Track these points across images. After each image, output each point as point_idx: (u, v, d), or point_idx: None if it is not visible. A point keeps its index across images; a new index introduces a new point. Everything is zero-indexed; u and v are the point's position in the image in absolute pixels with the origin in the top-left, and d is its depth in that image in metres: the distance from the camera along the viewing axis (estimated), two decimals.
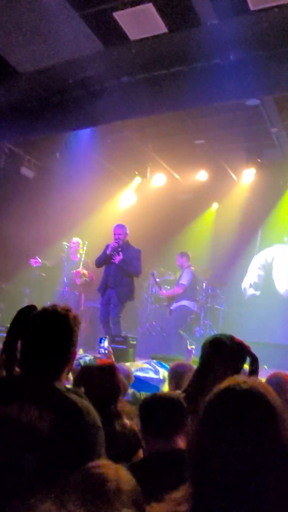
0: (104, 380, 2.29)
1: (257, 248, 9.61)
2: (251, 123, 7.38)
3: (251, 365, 1.94)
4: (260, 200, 9.16)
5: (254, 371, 1.91)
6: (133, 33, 5.25)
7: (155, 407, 1.88)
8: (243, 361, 1.99)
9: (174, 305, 7.56)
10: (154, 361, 5.00)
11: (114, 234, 6.64)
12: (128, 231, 6.77)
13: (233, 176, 9.32)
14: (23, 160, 8.59)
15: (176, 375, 2.99)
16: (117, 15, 4.98)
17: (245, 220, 9.33)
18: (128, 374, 3.64)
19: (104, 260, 6.63)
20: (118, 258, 6.50)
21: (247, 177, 8.79)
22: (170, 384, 3.08)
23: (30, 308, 1.75)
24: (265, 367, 4.74)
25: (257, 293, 9.36)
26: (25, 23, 5.20)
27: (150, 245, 9.82)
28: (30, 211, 8.54)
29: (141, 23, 5.07)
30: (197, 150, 8.64)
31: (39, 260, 7.20)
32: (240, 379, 1.13)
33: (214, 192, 9.87)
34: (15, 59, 5.86)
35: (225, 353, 1.98)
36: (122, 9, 4.90)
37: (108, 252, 6.53)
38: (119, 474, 1.07)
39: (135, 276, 6.70)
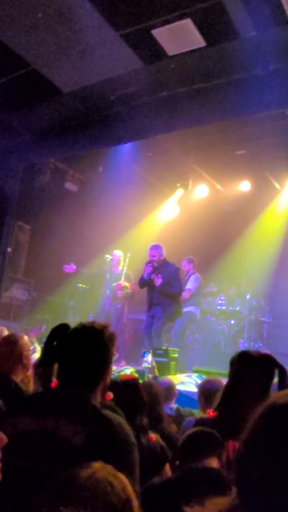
0: (127, 395, 2.32)
1: None
2: None
3: (279, 377, 1.90)
4: None
5: (283, 382, 1.88)
6: (171, 49, 5.33)
7: (196, 443, 1.88)
8: (273, 374, 1.96)
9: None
10: (196, 374, 4.97)
11: (150, 255, 6.65)
12: (164, 251, 6.75)
13: (277, 185, 9.17)
14: (67, 174, 8.84)
15: (205, 392, 2.96)
16: (155, 32, 5.07)
17: None
18: (170, 388, 3.64)
19: (144, 284, 6.70)
20: (158, 281, 6.50)
21: None
22: (199, 401, 3.04)
23: (64, 327, 1.81)
24: None
25: None
26: (67, 45, 5.39)
27: (193, 256, 9.80)
28: (74, 224, 8.76)
29: (179, 38, 5.13)
30: (239, 160, 8.58)
31: (74, 266, 7.31)
32: None
33: (257, 203, 9.73)
34: (59, 80, 6.07)
35: (254, 367, 1.96)
36: (160, 26, 4.98)
37: (145, 277, 6.56)
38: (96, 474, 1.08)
39: (178, 295, 6.68)
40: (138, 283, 6.85)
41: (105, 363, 1.68)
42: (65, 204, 8.78)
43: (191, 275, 7.70)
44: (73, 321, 7.63)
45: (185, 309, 7.24)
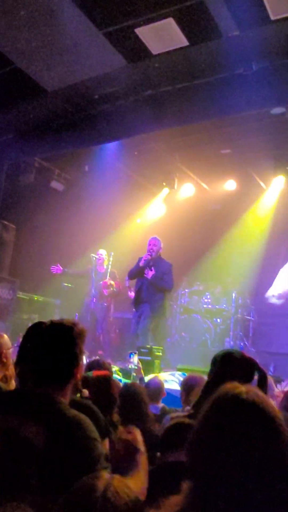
0: (99, 391, 2.32)
1: None
2: (278, 132, 7.31)
3: (259, 382, 1.92)
4: None
5: (262, 387, 1.90)
6: (155, 48, 5.33)
7: (172, 435, 1.89)
8: (252, 378, 1.98)
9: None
10: (179, 372, 4.98)
11: (149, 245, 6.69)
12: (162, 246, 6.81)
13: (262, 184, 9.23)
14: (52, 173, 8.80)
15: (186, 388, 2.98)
16: (139, 31, 5.06)
17: (275, 228, 9.21)
18: (158, 388, 3.64)
19: (136, 273, 6.68)
20: (150, 273, 6.52)
21: (277, 185, 8.70)
22: (181, 396, 3.06)
23: (39, 324, 1.80)
24: None
25: (279, 302, 9.18)
26: (50, 43, 5.36)
27: (178, 256, 9.83)
28: (59, 223, 8.73)
29: (163, 37, 5.13)
30: (224, 159, 8.62)
31: (60, 267, 7.33)
32: (239, 388, 1.13)
33: (243, 201, 9.79)
34: (42, 78, 6.04)
35: (235, 368, 1.98)
36: (143, 25, 4.98)
37: (141, 264, 6.57)
38: (111, 485, 1.08)
39: (167, 291, 6.68)
40: (128, 274, 6.80)
41: (74, 360, 1.66)
42: (50, 203, 8.75)
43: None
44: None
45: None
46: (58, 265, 7.38)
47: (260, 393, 1.14)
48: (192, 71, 5.72)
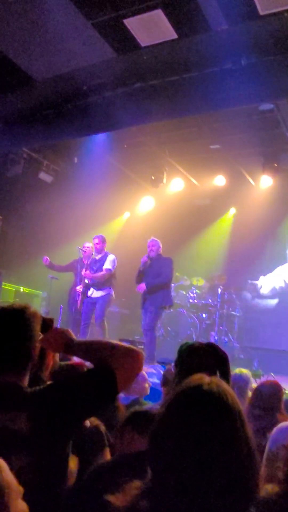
0: None
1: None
2: (266, 128, 7.33)
3: (219, 366, 1.93)
4: (278, 205, 9.06)
5: (223, 372, 1.91)
6: (144, 40, 5.29)
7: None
8: (219, 363, 1.98)
9: (97, 293, 7.05)
10: (159, 365, 4.99)
11: (148, 247, 6.81)
12: (160, 245, 6.91)
13: (251, 181, 9.25)
14: (41, 165, 8.74)
15: (164, 380, 2.98)
16: (127, 22, 5.03)
17: (263, 225, 9.24)
18: (145, 380, 3.63)
19: (139, 278, 6.78)
20: (141, 287, 6.68)
21: (265, 182, 8.72)
22: (162, 391, 3.06)
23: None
24: (272, 374, 4.71)
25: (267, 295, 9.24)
26: (38, 32, 5.31)
27: (167, 250, 9.84)
28: (47, 214, 8.69)
29: (151, 29, 5.11)
30: (213, 155, 8.63)
31: (48, 260, 7.35)
32: (208, 380, 1.15)
33: (232, 197, 9.82)
34: (30, 68, 5.99)
35: (199, 356, 1.99)
36: (132, 16, 4.94)
37: (141, 268, 6.71)
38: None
39: (165, 283, 6.71)
40: (136, 281, 6.85)
41: (29, 343, 1.61)
42: (39, 194, 8.70)
43: (107, 254, 7.23)
44: (45, 312, 7.58)
45: (103, 292, 7.03)
46: (47, 258, 7.38)
47: (224, 385, 1.15)
48: (181, 64, 5.69)
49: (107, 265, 6.97)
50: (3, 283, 8.17)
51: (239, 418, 1.10)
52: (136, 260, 9.03)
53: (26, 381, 1.60)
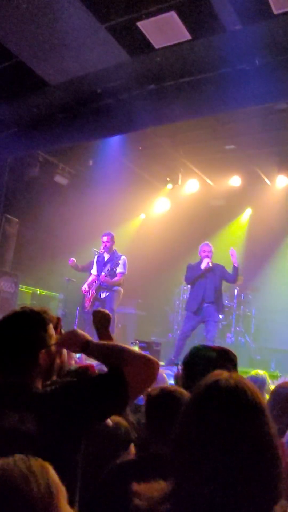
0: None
1: None
2: (282, 127, 7.27)
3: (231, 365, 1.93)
4: None
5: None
6: (158, 42, 5.30)
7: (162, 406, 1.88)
8: (227, 361, 1.99)
9: (106, 294, 6.96)
10: (176, 367, 4.98)
11: (204, 251, 6.69)
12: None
13: (267, 181, 9.18)
14: (57, 168, 8.82)
15: (175, 382, 2.98)
16: (141, 24, 5.04)
17: (279, 225, 9.17)
18: (164, 382, 3.63)
19: (196, 277, 6.65)
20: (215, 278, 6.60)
21: (281, 181, 8.65)
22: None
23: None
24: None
25: None
26: (53, 37, 5.36)
27: (182, 250, 9.83)
28: (63, 217, 8.75)
29: (165, 31, 5.11)
30: (229, 155, 8.60)
31: (74, 261, 7.42)
32: (226, 375, 1.12)
33: (248, 198, 9.77)
34: (45, 72, 6.04)
35: (198, 361, 2.00)
36: (145, 18, 4.95)
37: (204, 267, 6.55)
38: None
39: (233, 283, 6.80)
40: (188, 278, 6.76)
41: (37, 346, 1.62)
42: (54, 197, 8.77)
43: (120, 256, 7.11)
44: (62, 314, 7.59)
45: (114, 291, 6.96)
46: (73, 259, 7.45)
47: (244, 380, 1.13)
48: (195, 65, 5.69)
49: (121, 268, 6.89)
50: (20, 285, 8.26)
51: (260, 413, 1.06)
52: (152, 261, 9.06)
53: (36, 383, 1.61)
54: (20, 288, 8.16)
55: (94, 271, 7.06)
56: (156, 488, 1.14)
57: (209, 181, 9.69)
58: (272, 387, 3.31)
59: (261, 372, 3.70)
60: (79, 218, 8.87)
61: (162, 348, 6.56)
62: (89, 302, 6.91)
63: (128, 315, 8.31)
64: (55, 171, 8.80)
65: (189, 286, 8.56)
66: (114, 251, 7.10)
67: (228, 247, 9.76)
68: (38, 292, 8.98)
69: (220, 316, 6.89)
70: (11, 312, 1.70)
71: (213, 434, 1.03)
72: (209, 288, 6.51)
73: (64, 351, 1.75)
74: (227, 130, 7.68)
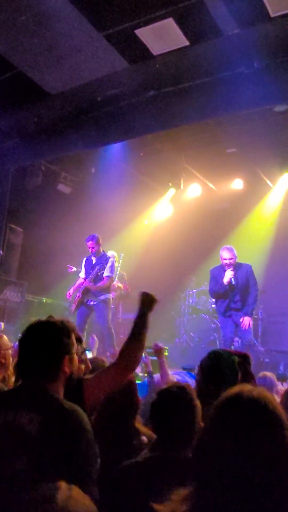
0: (121, 394, 2.30)
1: None
2: (283, 129, 7.28)
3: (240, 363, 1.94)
4: None
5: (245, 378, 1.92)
6: (156, 48, 5.35)
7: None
8: (246, 363, 2.00)
9: (95, 299, 6.80)
10: (184, 372, 4.98)
11: (226, 259, 6.24)
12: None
13: (269, 183, 9.19)
14: (59, 176, 8.87)
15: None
16: (139, 32, 5.09)
17: (283, 226, 9.16)
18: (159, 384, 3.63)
19: (224, 291, 6.25)
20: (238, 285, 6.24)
21: (284, 183, 8.65)
22: None
23: (32, 323, 1.85)
24: None
25: None
26: (52, 47, 5.42)
27: (186, 255, 9.84)
28: (67, 225, 8.78)
29: (163, 38, 5.15)
30: (230, 159, 8.61)
31: (73, 267, 7.34)
32: (248, 388, 1.16)
33: (251, 200, 9.76)
34: (45, 82, 6.10)
35: (223, 365, 2.00)
36: (143, 26, 5.00)
37: (231, 282, 6.14)
38: (71, 495, 1.10)
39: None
40: (215, 292, 6.39)
41: (60, 354, 1.72)
42: (58, 206, 8.81)
43: (104, 258, 6.96)
44: None
45: (105, 297, 6.80)
46: (71, 267, 7.39)
47: (265, 392, 1.16)
48: (193, 70, 5.72)
49: (108, 271, 6.72)
50: (26, 295, 8.28)
51: (280, 425, 1.09)
52: (158, 267, 9.07)
53: (57, 388, 1.69)
54: (26, 297, 8.17)
55: (82, 274, 6.95)
56: (176, 494, 1.15)
57: (211, 185, 9.70)
58: (282, 388, 3.30)
59: (268, 373, 3.69)
60: (83, 226, 8.88)
61: (169, 353, 6.53)
62: (75, 304, 6.83)
63: (127, 321, 8.29)
64: (57, 180, 8.85)
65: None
66: (103, 253, 6.95)
67: (236, 252, 9.79)
68: (44, 300, 8.99)
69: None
70: (37, 320, 1.81)
71: (235, 444, 1.06)
72: (235, 301, 6.23)
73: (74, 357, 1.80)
74: (227, 133, 7.70)
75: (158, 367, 5.40)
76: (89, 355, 4.79)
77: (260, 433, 1.06)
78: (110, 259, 6.86)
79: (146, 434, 2.31)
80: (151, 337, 8.83)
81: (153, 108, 6.31)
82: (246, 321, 6.14)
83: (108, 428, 2.10)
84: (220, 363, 2.15)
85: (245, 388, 1.15)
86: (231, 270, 6.14)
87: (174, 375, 4.68)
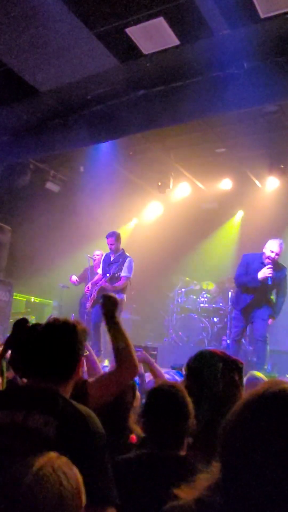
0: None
1: None
2: (272, 129, 7.33)
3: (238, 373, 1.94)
4: (286, 206, 9.03)
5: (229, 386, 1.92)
6: (146, 47, 5.33)
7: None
8: (233, 371, 1.99)
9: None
10: (173, 371, 4.98)
11: (270, 258, 5.91)
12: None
13: (258, 183, 9.24)
14: (48, 175, 8.81)
15: None
16: (130, 31, 5.07)
17: (271, 226, 9.21)
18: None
19: (256, 284, 5.93)
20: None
21: (272, 183, 8.70)
22: None
23: (23, 321, 1.84)
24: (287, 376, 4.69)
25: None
26: (41, 44, 5.37)
27: (175, 255, 9.85)
28: (56, 224, 8.75)
29: (154, 37, 5.14)
30: (219, 158, 8.63)
31: (75, 280, 7.20)
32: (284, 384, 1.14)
33: (239, 200, 9.81)
34: (34, 79, 6.05)
35: (205, 369, 2.01)
36: (134, 24, 4.98)
37: (269, 282, 5.83)
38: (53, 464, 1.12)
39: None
40: (243, 284, 6.10)
41: (78, 357, 1.73)
42: (46, 204, 8.76)
43: (127, 258, 6.79)
44: None
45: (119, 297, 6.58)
46: (75, 279, 7.25)
47: None
48: (184, 70, 5.73)
49: (125, 272, 6.62)
50: (14, 293, 8.22)
51: None
52: (146, 266, 9.06)
53: (67, 390, 1.68)
54: (14, 296, 8.12)
55: (100, 270, 6.91)
56: (199, 479, 1.14)
57: (200, 185, 9.73)
58: None
59: (257, 373, 3.72)
60: (72, 225, 8.86)
61: (158, 352, 6.53)
62: (91, 302, 6.80)
63: (123, 320, 8.28)
64: (46, 178, 8.79)
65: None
66: (121, 251, 6.83)
67: (221, 249, 9.86)
68: (33, 299, 8.95)
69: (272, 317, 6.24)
70: (51, 320, 1.79)
71: (276, 437, 1.03)
72: (258, 298, 5.99)
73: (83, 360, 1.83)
74: (217, 133, 7.73)
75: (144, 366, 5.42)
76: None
77: None
78: (128, 259, 6.72)
79: (137, 432, 2.32)
80: (140, 337, 8.91)
81: (143, 108, 6.31)
82: (270, 321, 5.97)
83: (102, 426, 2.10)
84: (203, 366, 2.13)
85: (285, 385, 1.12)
86: (271, 268, 5.75)
87: (164, 374, 4.69)
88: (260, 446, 1.05)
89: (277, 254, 5.83)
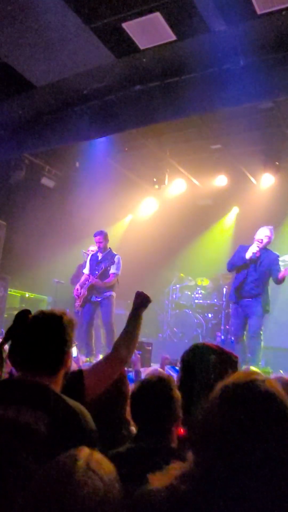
0: (111, 386, 2.31)
1: None
2: (267, 126, 7.35)
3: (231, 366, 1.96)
4: (281, 203, 9.06)
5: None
6: (143, 43, 5.33)
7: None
8: (226, 363, 2.01)
9: (104, 295, 6.70)
10: (168, 366, 5.00)
11: (264, 241, 5.90)
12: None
13: (253, 180, 9.26)
14: (43, 170, 8.79)
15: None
16: (126, 25, 5.07)
17: (265, 223, 9.22)
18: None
19: (239, 266, 5.93)
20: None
21: (267, 180, 8.72)
22: None
23: (25, 312, 1.82)
24: (281, 371, 4.72)
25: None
26: (38, 38, 5.35)
27: (170, 251, 9.87)
28: (51, 219, 8.73)
29: (150, 32, 5.14)
30: (215, 155, 8.64)
31: (79, 294, 7.08)
32: (261, 377, 1.16)
33: (234, 197, 9.83)
34: (30, 74, 6.03)
35: (196, 361, 2.02)
36: (130, 19, 4.98)
37: (252, 256, 5.81)
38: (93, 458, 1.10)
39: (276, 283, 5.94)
40: (233, 265, 6.06)
41: (65, 348, 1.70)
42: (41, 199, 8.74)
43: (115, 255, 6.76)
44: None
45: (109, 293, 6.69)
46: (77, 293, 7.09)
47: (275, 383, 1.16)
48: (180, 66, 5.73)
49: (114, 269, 6.65)
50: (9, 289, 8.21)
51: (285, 418, 1.10)
52: (141, 262, 9.07)
53: (58, 386, 1.66)
54: (8, 292, 8.10)
55: (86, 270, 6.85)
56: (172, 468, 1.16)
57: (195, 181, 9.74)
58: None
59: (253, 368, 3.74)
60: (67, 220, 8.85)
61: (153, 348, 6.55)
62: (80, 301, 6.80)
63: (117, 316, 8.27)
64: (41, 174, 8.77)
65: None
66: (109, 250, 6.85)
67: (216, 245, 9.88)
68: (27, 295, 8.93)
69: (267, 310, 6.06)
70: (38, 313, 1.76)
71: (245, 429, 1.06)
72: (249, 282, 5.87)
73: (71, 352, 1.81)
74: (213, 130, 7.74)
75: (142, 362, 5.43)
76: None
77: (265, 422, 1.07)
78: (117, 256, 6.73)
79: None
80: None
81: (138, 103, 6.31)
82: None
83: (97, 418, 2.11)
84: (195, 358, 2.14)
85: (259, 376, 1.16)
86: (259, 246, 5.78)
87: (159, 370, 4.71)
88: (229, 435, 1.07)
89: (266, 236, 5.92)
